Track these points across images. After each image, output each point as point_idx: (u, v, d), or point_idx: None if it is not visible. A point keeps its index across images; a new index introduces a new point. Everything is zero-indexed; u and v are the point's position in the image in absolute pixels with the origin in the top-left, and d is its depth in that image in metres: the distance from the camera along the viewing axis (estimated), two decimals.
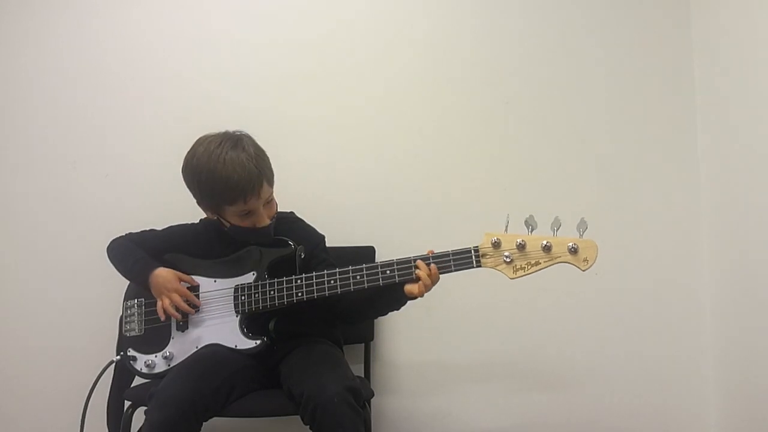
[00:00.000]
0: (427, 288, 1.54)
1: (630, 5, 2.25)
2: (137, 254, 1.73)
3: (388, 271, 1.56)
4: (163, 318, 1.65)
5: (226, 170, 1.56)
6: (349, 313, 1.72)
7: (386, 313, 1.70)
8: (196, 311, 1.67)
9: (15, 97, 2.20)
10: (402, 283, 1.55)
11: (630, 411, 2.13)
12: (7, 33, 2.22)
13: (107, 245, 1.79)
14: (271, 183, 1.66)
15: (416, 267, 1.53)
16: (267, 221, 1.66)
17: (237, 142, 1.61)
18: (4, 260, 2.15)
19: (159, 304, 1.65)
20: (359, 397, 1.48)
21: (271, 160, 1.67)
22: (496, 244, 1.51)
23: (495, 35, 2.24)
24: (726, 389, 2.08)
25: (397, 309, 1.65)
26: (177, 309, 1.64)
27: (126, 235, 1.81)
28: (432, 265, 1.53)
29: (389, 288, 1.56)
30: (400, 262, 1.56)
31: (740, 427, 2.01)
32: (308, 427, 1.46)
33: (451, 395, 2.12)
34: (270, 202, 1.68)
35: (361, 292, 1.58)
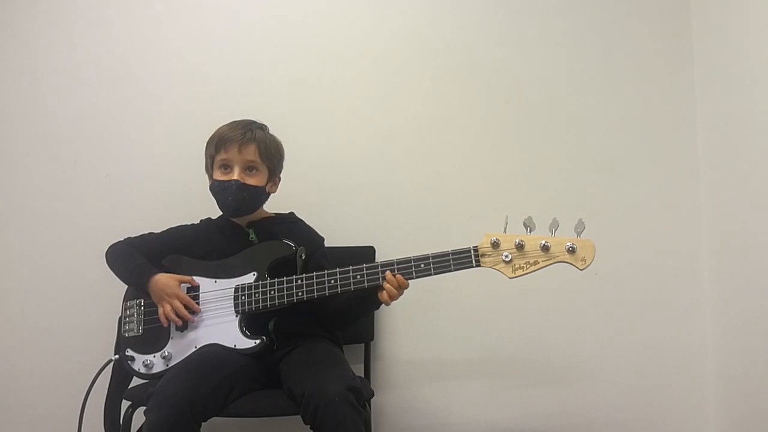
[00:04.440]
0: (393, 297, 1.57)
1: (630, 6, 2.25)
2: (137, 260, 1.74)
3: (387, 270, 1.57)
4: (165, 324, 1.66)
5: (227, 125, 1.77)
6: (332, 321, 1.76)
7: (367, 315, 1.83)
8: (195, 317, 1.67)
9: (15, 97, 2.20)
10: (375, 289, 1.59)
11: (629, 408, 2.13)
12: (7, 32, 2.22)
13: (106, 250, 1.79)
14: (263, 156, 1.76)
15: (383, 278, 1.57)
16: (235, 178, 1.73)
17: (256, 122, 1.80)
18: (4, 260, 2.14)
19: (160, 310, 1.66)
20: (360, 397, 1.48)
21: None
22: (496, 244, 1.52)
23: (495, 35, 2.24)
24: (725, 388, 2.08)
25: (377, 309, 1.73)
26: (178, 315, 1.65)
27: (125, 239, 1.81)
28: (398, 275, 1.56)
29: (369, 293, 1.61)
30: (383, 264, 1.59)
31: (739, 425, 2.01)
32: (309, 426, 1.46)
33: (451, 394, 2.12)
34: (255, 175, 1.75)
35: (346, 296, 1.63)
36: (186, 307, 1.66)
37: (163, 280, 1.68)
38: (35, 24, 2.22)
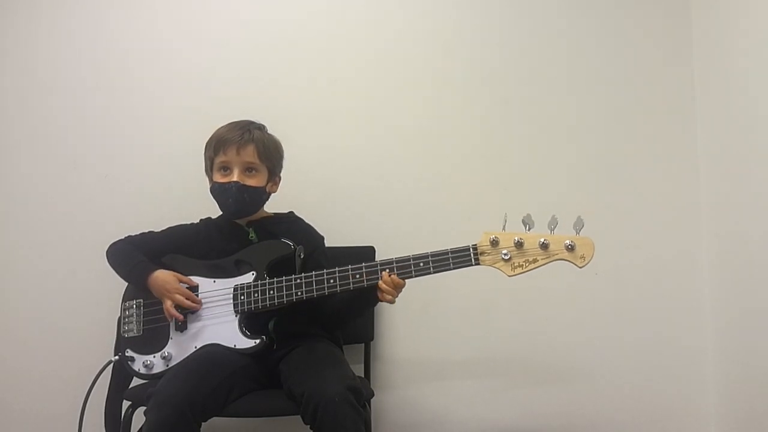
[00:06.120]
0: (390, 295, 1.58)
1: (630, 5, 2.26)
2: (136, 257, 1.74)
3: (387, 269, 1.57)
4: (171, 319, 1.67)
5: (225, 126, 1.77)
6: (330, 320, 1.76)
7: (365, 313, 1.86)
8: (196, 314, 1.67)
9: (15, 97, 2.20)
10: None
11: (629, 408, 2.13)
12: (8, 32, 2.22)
13: (107, 249, 1.80)
14: (262, 156, 1.75)
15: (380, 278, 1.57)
16: (235, 179, 1.72)
17: (255, 122, 1.80)
18: (4, 260, 2.14)
19: (164, 306, 1.67)
20: (360, 397, 1.48)
21: None
22: (495, 242, 1.52)
23: (495, 35, 2.25)
24: (725, 388, 2.07)
25: (375, 306, 1.75)
26: (180, 309, 1.65)
27: (125, 238, 1.82)
28: (392, 276, 1.56)
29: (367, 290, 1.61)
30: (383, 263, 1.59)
31: (739, 425, 2.01)
32: (309, 426, 1.46)
33: (451, 394, 2.12)
34: (255, 176, 1.75)
35: (343, 295, 1.63)
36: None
37: (162, 276, 1.69)
38: (35, 24, 2.22)
